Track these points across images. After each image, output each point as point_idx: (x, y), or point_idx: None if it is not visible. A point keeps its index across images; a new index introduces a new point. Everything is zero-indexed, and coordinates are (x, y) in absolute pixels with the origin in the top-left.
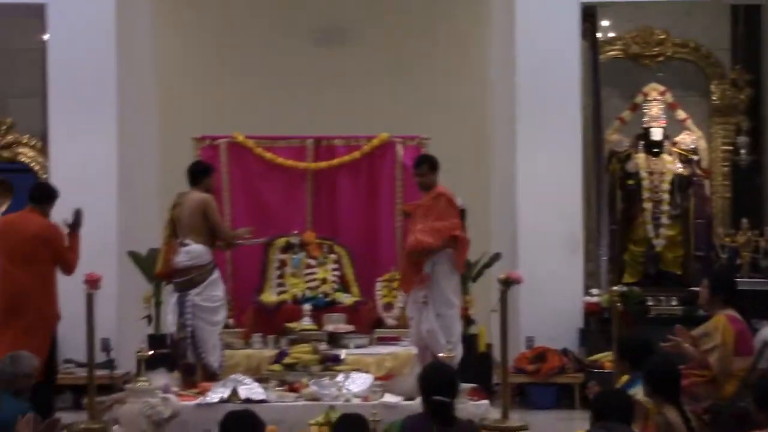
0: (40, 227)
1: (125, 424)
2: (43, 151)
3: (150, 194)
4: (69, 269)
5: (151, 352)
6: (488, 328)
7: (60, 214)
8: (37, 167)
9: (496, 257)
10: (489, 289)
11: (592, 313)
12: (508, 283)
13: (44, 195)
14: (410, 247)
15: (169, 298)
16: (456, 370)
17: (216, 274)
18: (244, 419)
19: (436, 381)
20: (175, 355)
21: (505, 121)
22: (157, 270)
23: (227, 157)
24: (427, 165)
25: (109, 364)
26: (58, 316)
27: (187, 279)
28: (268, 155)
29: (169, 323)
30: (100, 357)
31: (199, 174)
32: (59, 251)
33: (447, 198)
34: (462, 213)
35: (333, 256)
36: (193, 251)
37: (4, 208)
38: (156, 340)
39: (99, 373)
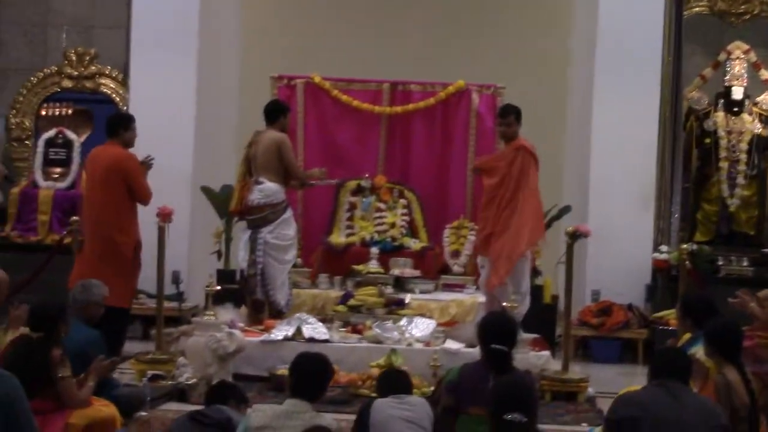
0: (113, 157)
1: (191, 356)
2: (124, 83)
3: (227, 131)
4: (140, 200)
5: (219, 287)
6: (554, 280)
7: (140, 148)
8: (118, 99)
9: (565, 210)
10: (557, 241)
11: (660, 269)
12: (575, 236)
13: (114, 125)
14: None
15: (241, 234)
16: (516, 320)
17: (288, 213)
18: (317, 362)
19: (495, 330)
20: (244, 291)
21: (583, 74)
22: (231, 207)
23: (303, 98)
24: (514, 115)
25: (179, 297)
26: (132, 244)
27: (260, 216)
28: (344, 97)
29: (240, 259)
30: (169, 289)
31: (275, 113)
32: (131, 181)
33: (528, 151)
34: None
35: (403, 201)
36: (267, 189)
37: (84, 137)
38: (225, 276)
39: (168, 305)
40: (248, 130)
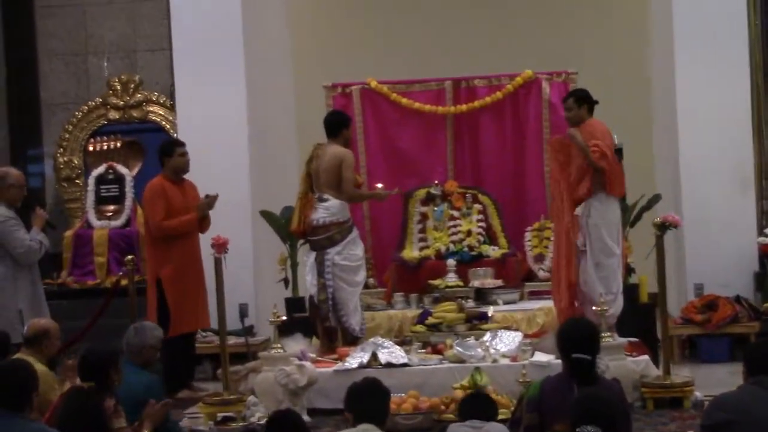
0: (146, 190)
1: (261, 394)
2: (172, 108)
3: (284, 148)
4: (151, 232)
5: (284, 318)
6: (652, 277)
7: (193, 175)
8: (168, 126)
9: (655, 199)
10: (651, 235)
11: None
12: (664, 227)
13: (159, 154)
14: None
15: (306, 258)
16: (596, 325)
17: (355, 233)
18: (367, 389)
19: (575, 337)
20: (315, 318)
21: (663, 49)
22: (292, 226)
23: (360, 105)
24: (572, 98)
25: (248, 331)
26: (169, 277)
27: (326, 237)
28: (404, 101)
29: (308, 284)
30: (237, 324)
31: (336, 125)
32: (145, 211)
33: (595, 129)
34: (618, 152)
35: (477, 206)
36: (332, 207)
37: (136, 170)
38: (294, 304)
39: (236, 341)
40: (307, 146)
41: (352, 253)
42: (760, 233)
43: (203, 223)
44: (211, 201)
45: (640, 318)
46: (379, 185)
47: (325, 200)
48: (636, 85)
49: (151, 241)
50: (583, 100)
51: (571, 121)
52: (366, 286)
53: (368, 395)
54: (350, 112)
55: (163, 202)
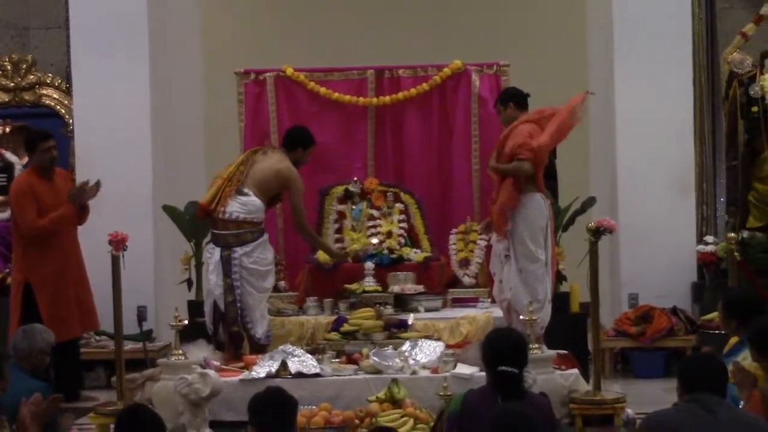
0: (11, 189)
1: (159, 404)
2: (68, 92)
3: (191, 138)
4: (20, 231)
5: (186, 322)
6: (584, 286)
7: (90, 167)
8: (63, 111)
9: (590, 202)
10: (584, 241)
11: (706, 264)
12: (598, 232)
13: (25, 148)
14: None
15: (209, 255)
16: (524, 336)
17: (266, 237)
18: (270, 400)
19: (500, 348)
20: (216, 322)
21: (601, 43)
22: (203, 200)
23: (275, 94)
24: (499, 100)
25: (147, 336)
26: (41, 282)
27: (236, 234)
28: (323, 90)
29: (212, 285)
30: (135, 328)
31: (295, 142)
32: (14, 212)
33: (521, 129)
34: (553, 153)
35: (399, 206)
36: (251, 204)
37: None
38: (197, 307)
39: (133, 346)
40: (216, 137)
41: (262, 257)
42: (700, 241)
43: (82, 214)
44: (85, 188)
45: (571, 329)
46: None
47: (246, 194)
48: (572, 80)
49: (22, 243)
50: (508, 99)
51: (504, 123)
52: (276, 289)
53: (272, 407)
54: (263, 102)
55: (31, 200)
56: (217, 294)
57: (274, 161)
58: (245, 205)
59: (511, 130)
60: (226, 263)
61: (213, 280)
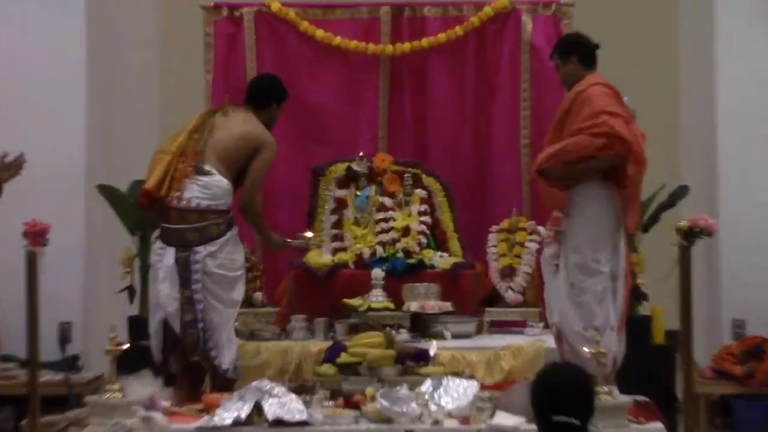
0: None
1: None
2: None
3: (139, 100)
4: None
5: (126, 346)
6: (671, 308)
7: (7, 138)
8: None
9: (680, 193)
10: (672, 246)
11: None
12: (692, 234)
13: None
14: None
15: (159, 256)
16: (588, 374)
17: (236, 230)
18: None
19: (557, 392)
20: (169, 349)
21: None
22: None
23: (254, 36)
24: (556, 53)
25: (71, 364)
26: None
27: (197, 228)
28: (319, 33)
29: (163, 297)
30: (56, 353)
31: (267, 95)
32: None
33: (592, 93)
34: None
35: (420, 193)
36: (215, 185)
37: None
38: (142, 325)
39: (52, 377)
40: (174, 95)
41: (231, 258)
42: None
43: None
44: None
45: (652, 367)
46: (308, 234)
47: (207, 173)
48: (656, 27)
49: None
50: (570, 50)
51: (563, 80)
52: (249, 303)
53: None
54: (239, 45)
55: None
56: (171, 310)
57: (238, 122)
58: (208, 187)
59: (575, 98)
60: (184, 268)
61: (165, 291)
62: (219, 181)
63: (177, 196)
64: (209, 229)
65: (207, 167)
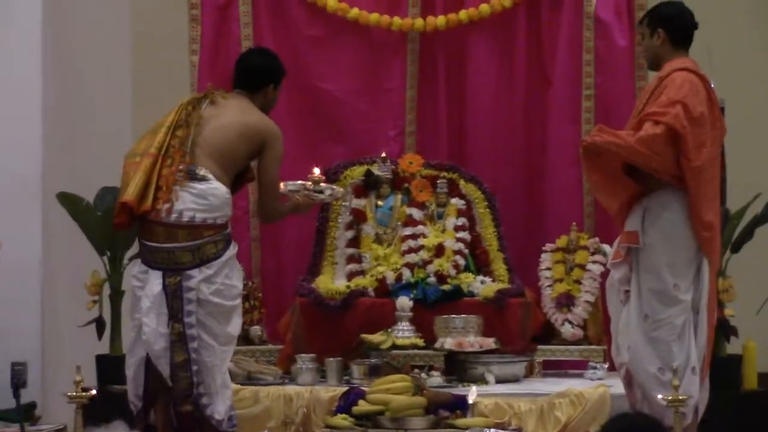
0: None
1: None
2: None
3: (111, 90)
4: None
5: (94, 392)
6: (766, 345)
7: None
8: None
9: None
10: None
11: None
12: None
13: None
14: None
15: (141, 283)
16: (666, 428)
17: (235, 249)
18: None
19: None
20: (153, 396)
21: None
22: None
23: (251, 13)
24: (647, 20)
25: (27, 413)
26: None
27: (190, 247)
28: (332, 2)
29: (148, 333)
30: (7, 400)
31: (262, 75)
32: None
33: (680, 80)
34: None
35: (457, 203)
36: (212, 194)
37: None
38: (114, 366)
39: (5, 430)
40: (152, 83)
41: (229, 283)
42: None
43: None
44: None
45: (743, 417)
46: (316, 171)
47: (203, 179)
48: (759, 13)
49: None
50: (660, 22)
51: (648, 60)
52: (246, 339)
53: None
54: (232, 20)
55: None
56: (158, 349)
57: (233, 113)
58: (203, 197)
59: (657, 85)
60: (175, 297)
61: (150, 325)
62: (216, 188)
63: (166, 209)
64: (205, 249)
65: (201, 171)
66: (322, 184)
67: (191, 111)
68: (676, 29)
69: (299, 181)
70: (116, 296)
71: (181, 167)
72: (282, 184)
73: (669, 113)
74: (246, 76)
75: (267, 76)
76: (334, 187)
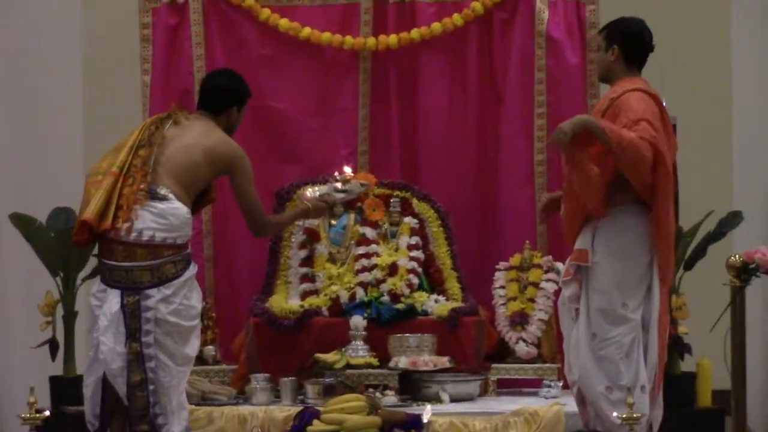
0: None
1: None
2: None
3: (63, 107)
4: None
5: (47, 413)
6: (721, 363)
7: None
8: None
9: (731, 222)
10: (721, 287)
11: None
12: (747, 272)
13: None
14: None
15: (98, 302)
16: None
17: (194, 270)
18: None
19: None
20: (109, 416)
21: None
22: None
23: (203, 28)
24: (607, 32)
25: None
26: None
27: (151, 266)
28: (283, 23)
29: (106, 352)
30: None
31: (226, 97)
32: None
33: (634, 100)
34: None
35: (410, 222)
36: (172, 214)
37: None
38: (69, 388)
39: None
40: (104, 101)
41: (187, 303)
42: None
43: None
44: None
45: None
46: (347, 170)
47: (163, 198)
48: (711, 33)
49: None
50: (618, 38)
51: (600, 76)
52: (201, 360)
53: None
54: (183, 40)
55: None
56: (114, 368)
57: (197, 134)
58: (163, 216)
59: (608, 106)
60: (133, 316)
61: (108, 344)
62: (177, 208)
63: (126, 227)
64: (164, 268)
65: (162, 191)
66: (352, 182)
67: (154, 131)
68: (632, 49)
69: (326, 185)
70: (70, 317)
71: (142, 186)
72: (308, 191)
73: (639, 129)
74: (210, 97)
75: (231, 98)
76: (362, 181)
